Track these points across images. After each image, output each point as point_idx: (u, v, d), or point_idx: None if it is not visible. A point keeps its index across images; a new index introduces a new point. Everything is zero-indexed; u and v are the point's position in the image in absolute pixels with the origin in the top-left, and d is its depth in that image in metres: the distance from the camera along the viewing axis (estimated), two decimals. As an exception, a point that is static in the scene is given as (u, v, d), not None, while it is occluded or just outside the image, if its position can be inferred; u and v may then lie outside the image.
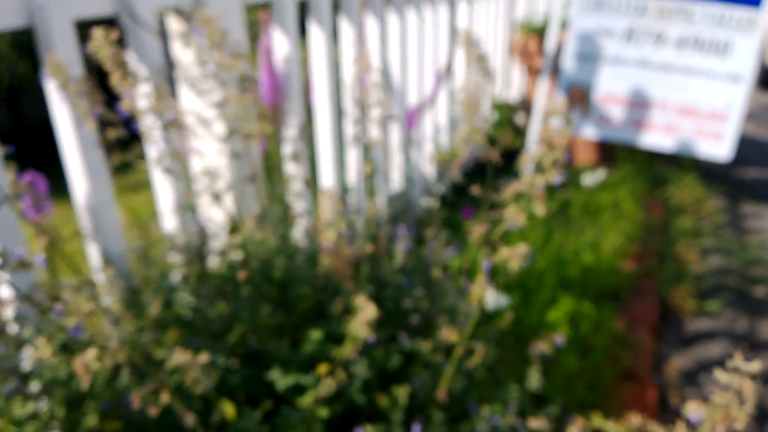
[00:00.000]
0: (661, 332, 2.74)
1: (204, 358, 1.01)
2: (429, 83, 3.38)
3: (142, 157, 1.23)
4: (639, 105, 3.84)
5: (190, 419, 0.87)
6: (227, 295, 1.51)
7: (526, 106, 5.06)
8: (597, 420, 0.94)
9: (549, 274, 2.77)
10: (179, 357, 0.96)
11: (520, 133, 4.69)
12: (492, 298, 1.66)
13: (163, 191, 1.57)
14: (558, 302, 2.60)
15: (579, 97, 4.02)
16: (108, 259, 1.46)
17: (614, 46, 3.71)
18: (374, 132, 1.54)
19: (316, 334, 1.38)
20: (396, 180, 3.18)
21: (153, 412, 0.88)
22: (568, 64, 3.68)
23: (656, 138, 3.80)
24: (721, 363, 2.49)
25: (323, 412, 1.27)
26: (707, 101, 3.67)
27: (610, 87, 3.87)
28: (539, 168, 0.97)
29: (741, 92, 3.64)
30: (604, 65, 3.79)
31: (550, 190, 3.93)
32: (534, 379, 1.39)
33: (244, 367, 1.35)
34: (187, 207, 1.37)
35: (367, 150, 2.30)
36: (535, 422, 1.09)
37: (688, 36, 3.67)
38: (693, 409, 0.76)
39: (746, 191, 4.30)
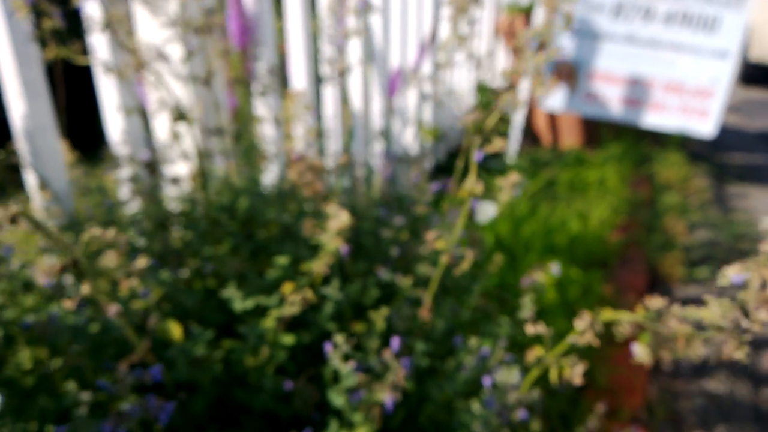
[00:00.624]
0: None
1: (142, 262, 0.88)
2: (412, 51, 3.26)
3: (84, 52, 1.10)
4: (626, 82, 3.76)
5: (112, 309, 0.74)
6: (184, 227, 1.38)
7: (506, 90, 4.96)
8: (607, 313, 0.82)
9: (536, 241, 2.66)
10: (109, 259, 0.82)
11: (505, 115, 4.60)
12: (481, 210, 1.53)
13: (107, 93, 1.42)
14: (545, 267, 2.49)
15: (566, 74, 3.93)
16: (48, 190, 1.32)
17: (603, 21, 3.63)
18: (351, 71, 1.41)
19: (282, 260, 1.25)
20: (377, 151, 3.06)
21: (69, 304, 0.75)
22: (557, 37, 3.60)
23: (642, 115, 3.73)
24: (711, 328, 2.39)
25: (287, 339, 1.14)
26: (694, 77, 3.61)
27: (598, 63, 3.78)
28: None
29: (727, 68, 3.58)
30: (593, 41, 3.71)
31: (535, 168, 3.84)
32: (527, 309, 1.28)
33: (199, 292, 1.21)
34: (132, 110, 1.23)
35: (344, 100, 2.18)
36: (533, 328, 0.98)
37: (677, 11, 3.61)
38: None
39: (731, 173, 4.25)
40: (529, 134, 4.58)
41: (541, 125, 4.59)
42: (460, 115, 1.13)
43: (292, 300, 1.07)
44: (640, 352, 0.80)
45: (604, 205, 3.13)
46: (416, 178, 1.59)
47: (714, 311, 0.72)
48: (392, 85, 3.07)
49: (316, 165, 1.15)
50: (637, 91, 3.74)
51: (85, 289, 0.77)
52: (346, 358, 0.98)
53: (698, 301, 2.22)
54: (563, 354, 0.93)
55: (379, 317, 1.14)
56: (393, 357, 0.97)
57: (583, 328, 0.85)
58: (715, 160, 4.48)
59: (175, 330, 1.05)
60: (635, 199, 3.46)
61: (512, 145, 3.91)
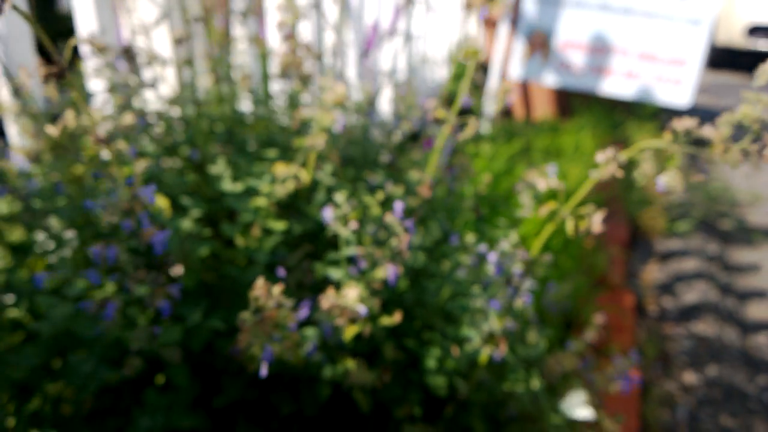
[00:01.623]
0: (632, 251, 2.64)
1: (129, 118, 0.79)
2: (387, 13, 3.20)
3: None
4: (600, 50, 3.75)
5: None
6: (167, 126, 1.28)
7: (481, 63, 4.95)
8: (630, 150, 0.77)
9: (514, 196, 2.62)
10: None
11: (477, 87, 4.57)
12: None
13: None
14: (525, 219, 2.45)
15: (540, 43, 3.91)
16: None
17: (576, -12, 3.63)
18: None
19: (272, 152, 1.17)
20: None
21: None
22: (529, 8, 3.58)
23: (617, 85, 3.72)
24: (696, 277, 2.39)
25: (279, 225, 1.06)
26: (667, 46, 3.62)
27: (571, 32, 3.77)
28: None
29: (702, 36, 3.60)
30: (566, 8, 3.70)
31: (509, 137, 3.82)
32: (526, 200, 1.21)
33: (188, 179, 1.12)
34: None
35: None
36: (545, 183, 0.92)
37: (650, -23, 3.62)
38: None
39: (703, 144, 4.30)
40: (502, 110, 4.56)
41: (514, 98, 4.57)
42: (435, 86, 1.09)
43: (284, 177, 0.99)
44: (669, 178, 0.75)
45: (580, 166, 3.12)
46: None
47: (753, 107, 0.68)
48: (368, 43, 3.00)
49: (305, 43, 1.07)
50: (611, 59, 3.74)
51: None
52: (346, 221, 0.91)
53: (681, 254, 2.20)
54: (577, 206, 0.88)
55: (374, 202, 1.07)
56: (396, 220, 0.90)
57: (606, 160, 0.80)
58: (689, 134, 4.52)
59: (163, 203, 0.96)
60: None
61: (486, 115, 3.88)
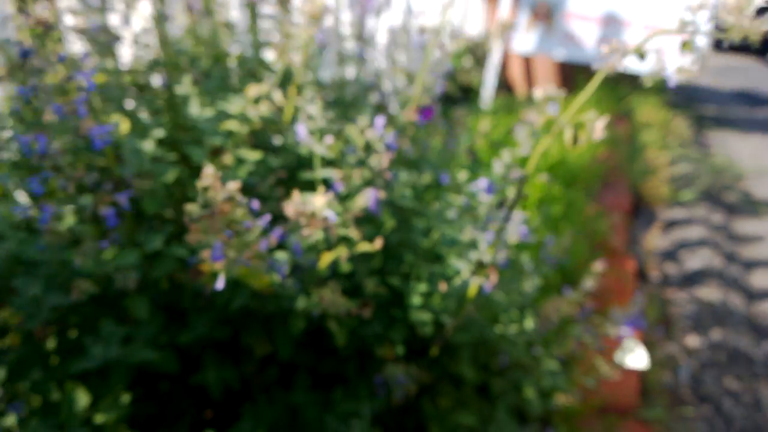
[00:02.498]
0: (635, 219, 2.55)
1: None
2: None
3: None
4: (604, 22, 3.65)
5: None
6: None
7: (483, 39, 4.84)
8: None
9: (512, 142, 2.55)
10: None
11: (479, 61, 4.47)
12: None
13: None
14: (528, 182, 2.36)
15: (544, 14, 3.81)
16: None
17: (580, -43, 3.52)
18: None
19: (250, 83, 1.08)
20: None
21: None
22: (534, -24, 3.47)
23: (632, 61, 3.62)
24: (700, 244, 2.30)
25: (253, 155, 0.98)
26: (675, 19, 3.52)
27: (575, 3, 3.67)
28: None
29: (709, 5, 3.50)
30: (572, -23, 3.59)
31: (510, 111, 3.73)
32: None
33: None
34: None
35: None
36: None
37: (654, -54, 3.51)
38: None
39: (709, 121, 4.21)
40: (504, 85, 4.47)
41: (516, 74, 4.47)
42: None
43: (256, 96, 0.91)
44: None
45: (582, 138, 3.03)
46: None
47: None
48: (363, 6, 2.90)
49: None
50: (615, 31, 3.63)
51: None
52: (321, 136, 0.82)
53: (685, 222, 2.10)
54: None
55: (357, 132, 0.99)
56: (376, 136, 0.81)
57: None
58: (692, 110, 4.43)
59: (123, 123, 0.88)
60: (615, 135, 3.37)
61: (487, 90, 3.79)
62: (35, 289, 0.75)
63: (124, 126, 0.87)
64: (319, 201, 0.65)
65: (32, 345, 0.88)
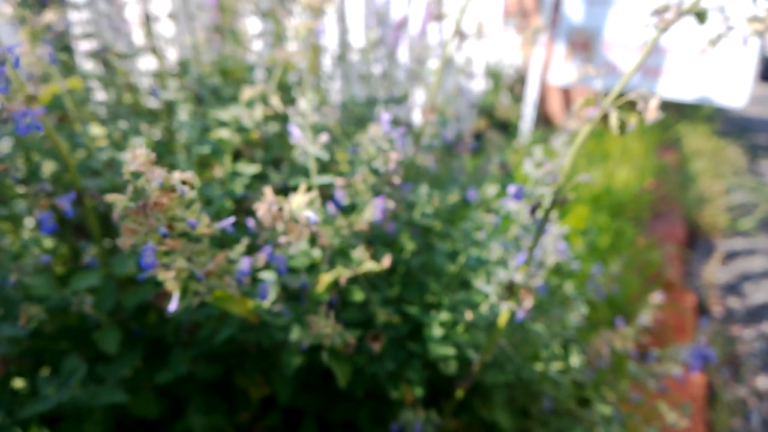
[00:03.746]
0: (691, 250, 2.34)
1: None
2: (417, 15, 3.04)
3: None
4: (652, 51, 3.49)
5: None
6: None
7: (521, 75, 4.75)
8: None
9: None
10: None
11: (517, 99, 4.37)
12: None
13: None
14: (569, 212, 2.20)
15: (582, 44, 3.69)
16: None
17: (619, -16, 3.41)
18: None
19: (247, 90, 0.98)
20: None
21: None
22: (572, 7, 3.37)
23: (670, 86, 3.46)
24: (765, 276, 2.08)
25: (250, 169, 0.86)
26: (723, 45, 3.35)
27: (618, 30, 3.53)
28: None
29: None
30: (608, 7, 3.47)
31: (547, 144, 3.58)
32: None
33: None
34: None
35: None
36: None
37: (696, -30, 3.38)
38: None
39: (762, 150, 3.96)
40: (542, 118, 4.34)
41: (554, 106, 4.34)
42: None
43: (250, 99, 0.80)
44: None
45: (629, 168, 2.86)
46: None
47: None
48: (395, 36, 2.84)
49: None
50: (658, 59, 3.48)
51: None
52: (315, 136, 0.70)
53: (747, 253, 1.87)
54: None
55: (365, 138, 0.86)
56: (382, 133, 0.68)
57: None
58: (743, 139, 4.19)
59: (96, 129, 0.78)
60: (663, 164, 3.17)
61: (525, 124, 3.66)
62: (-20, 319, 0.63)
63: (97, 131, 0.77)
64: (297, 200, 0.52)
65: (6, 383, 0.77)
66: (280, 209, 0.52)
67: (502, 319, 0.69)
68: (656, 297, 1.03)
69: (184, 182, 0.45)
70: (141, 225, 0.42)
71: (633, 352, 0.95)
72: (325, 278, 0.68)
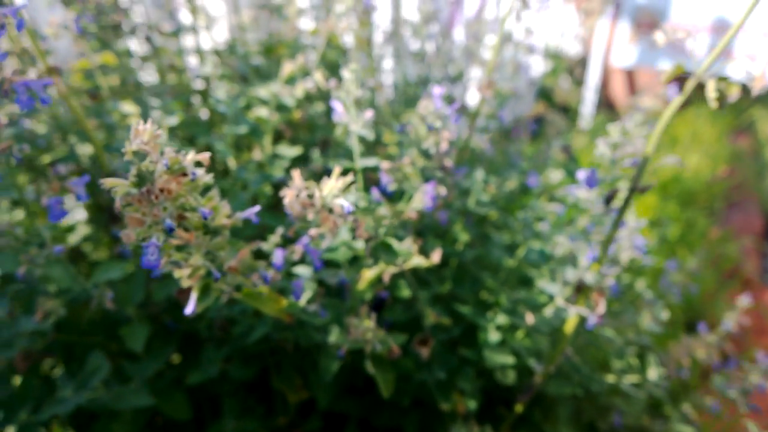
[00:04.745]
0: (770, 244, 2.16)
1: None
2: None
3: None
4: (716, 30, 3.26)
5: None
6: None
7: (581, 57, 4.53)
8: None
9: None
10: None
11: (578, 82, 4.17)
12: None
13: None
14: (635, 201, 2.05)
15: (647, 25, 3.48)
16: None
17: (688, -40, 3.18)
18: None
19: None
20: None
21: None
22: (637, -17, 3.17)
23: (739, 69, 3.21)
24: None
25: (291, 151, 0.79)
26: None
27: (686, 9, 3.30)
28: None
29: None
30: (684, -17, 3.23)
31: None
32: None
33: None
34: None
35: None
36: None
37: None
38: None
39: None
40: (604, 103, 4.13)
41: (617, 89, 4.12)
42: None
43: (291, 75, 0.73)
44: None
45: (699, 154, 2.66)
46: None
47: None
48: (451, 12, 2.72)
49: None
50: (732, 40, 3.23)
51: None
52: (359, 112, 0.62)
53: None
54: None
55: (417, 118, 0.78)
56: (434, 110, 0.60)
57: None
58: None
59: (128, 106, 0.72)
60: (736, 151, 2.95)
61: (586, 107, 3.48)
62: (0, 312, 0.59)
63: (129, 109, 0.71)
64: (329, 185, 0.45)
65: (31, 379, 0.73)
66: (310, 196, 0.45)
67: (570, 325, 0.60)
68: (742, 300, 0.91)
69: (198, 164, 0.38)
70: (145, 215, 0.35)
71: (716, 362, 0.84)
72: (368, 274, 0.60)
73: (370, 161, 0.64)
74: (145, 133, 0.34)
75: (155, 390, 0.69)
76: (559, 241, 0.64)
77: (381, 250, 0.56)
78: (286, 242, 0.62)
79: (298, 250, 0.57)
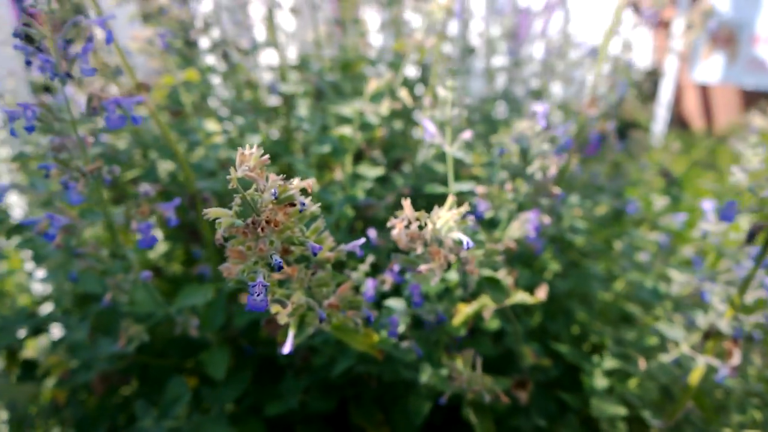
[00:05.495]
0: None
1: None
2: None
3: None
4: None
5: None
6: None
7: (651, 72, 4.37)
8: None
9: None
10: None
11: (645, 99, 4.02)
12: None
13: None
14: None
15: (725, 39, 3.32)
16: None
17: (770, -27, 3.02)
18: None
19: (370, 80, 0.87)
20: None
21: None
22: (717, -1, 3.03)
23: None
24: None
25: (373, 171, 0.75)
26: None
27: (764, 24, 3.13)
28: None
29: None
30: (758, -2, 3.08)
31: (686, 147, 3.25)
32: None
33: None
34: None
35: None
36: None
37: None
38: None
39: None
40: (675, 120, 3.95)
41: (691, 106, 3.95)
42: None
43: (376, 92, 0.69)
44: None
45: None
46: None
47: None
48: (524, 26, 2.66)
49: None
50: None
51: None
52: (455, 135, 0.57)
53: None
54: None
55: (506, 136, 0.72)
56: (539, 132, 0.55)
57: None
58: None
59: (210, 124, 0.70)
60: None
61: (658, 125, 3.34)
62: (80, 334, 0.57)
63: (213, 127, 0.69)
64: (443, 217, 0.40)
65: (106, 402, 0.71)
66: (421, 228, 0.40)
67: (695, 376, 0.53)
68: None
69: (303, 191, 0.34)
70: (250, 249, 0.32)
71: None
72: (465, 310, 0.55)
73: (465, 186, 0.60)
74: (251, 158, 0.30)
75: (232, 418, 0.66)
76: (677, 278, 0.58)
77: (486, 286, 0.51)
78: (375, 271, 0.57)
79: (388, 280, 0.53)
